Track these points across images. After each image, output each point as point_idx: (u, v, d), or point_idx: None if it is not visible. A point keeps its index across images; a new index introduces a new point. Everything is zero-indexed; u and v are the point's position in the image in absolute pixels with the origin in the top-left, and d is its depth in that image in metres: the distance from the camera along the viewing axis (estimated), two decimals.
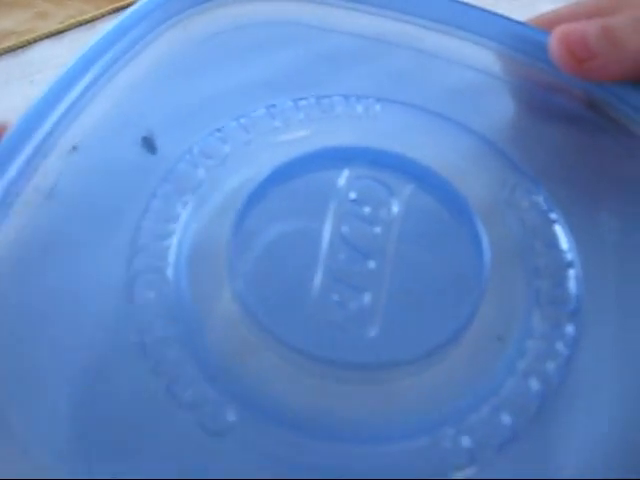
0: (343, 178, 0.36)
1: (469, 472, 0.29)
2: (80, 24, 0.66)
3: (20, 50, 0.66)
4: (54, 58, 0.65)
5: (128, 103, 0.39)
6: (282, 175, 0.35)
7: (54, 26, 0.67)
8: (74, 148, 0.37)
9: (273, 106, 0.39)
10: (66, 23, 0.67)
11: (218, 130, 0.38)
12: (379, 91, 0.41)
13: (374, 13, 0.43)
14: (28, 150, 0.35)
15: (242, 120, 0.38)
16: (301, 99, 0.39)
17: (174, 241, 0.34)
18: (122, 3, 0.68)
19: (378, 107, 0.40)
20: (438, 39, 0.43)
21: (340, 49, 0.42)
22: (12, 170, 0.35)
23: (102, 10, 0.68)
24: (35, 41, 0.66)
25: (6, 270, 0.33)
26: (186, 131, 0.38)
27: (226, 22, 0.42)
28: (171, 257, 0.33)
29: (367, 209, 0.35)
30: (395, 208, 0.35)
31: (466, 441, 0.29)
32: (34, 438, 0.29)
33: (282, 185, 0.35)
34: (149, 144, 0.38)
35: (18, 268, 0.33)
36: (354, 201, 0.35)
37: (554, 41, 0.38)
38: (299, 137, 0.38)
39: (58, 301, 0.32)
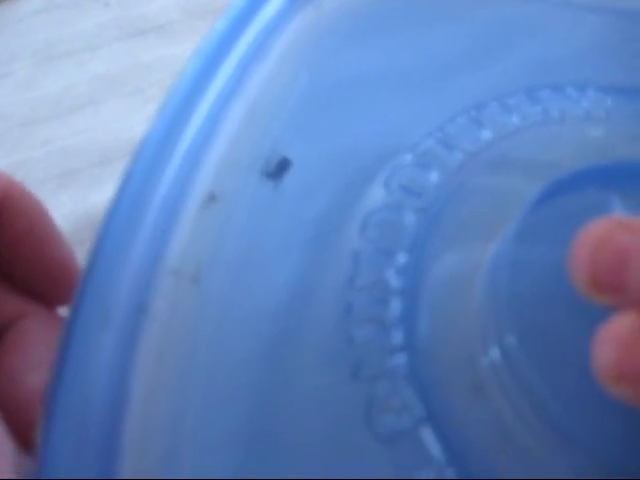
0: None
1: None
2: None
3: None
4: None
5: (264, 121, 0.29)
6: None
7: None
8: (211, 198, 0.27)
9: (476, 110, 0.28)
10: None
11: (412, 149, 0.28)
12: (587, 73, 0.31)
13: None
14: (153, 211, 0.26)
15: (439, 134, 0.28)
16: (508, 96, 0.30)
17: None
18: None
19: (609, 101, 0.30)
20: None
21: (516, 17, 0.33)
22: (138, 244, 0.25)
23: None
24: None
25: None
26: (350, 160, 0.29)
27: None
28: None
29: None
30: None
31: None
32: None
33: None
34: (281, 170, 0.28)
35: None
36: None
37: None
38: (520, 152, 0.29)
39: None
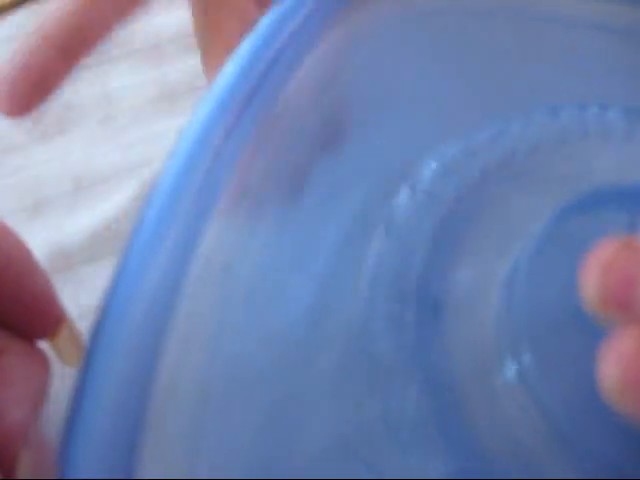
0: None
1: None
2: None
3: None
4: None
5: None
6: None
7: None
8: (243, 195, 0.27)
9: (501, 123, 0.28)
10: None
11: (438, 158, 0.29)
12: (609, 93, 0.32)
13: None
14: (186, 204, 0.26)
15: (465, 145, 0.29)
16: (532, 112, 0.30)
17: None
18: None
19: (630, 122, 0.31)
20: None
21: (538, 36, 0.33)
22: (171, 236, 0.25)
23: None
24: None
25: None
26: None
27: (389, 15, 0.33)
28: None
29: None
30: None
31: None
32: None
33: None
34: None
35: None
36: None
37: None
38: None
39: None
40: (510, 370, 0.26)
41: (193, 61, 0.48)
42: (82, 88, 0.49)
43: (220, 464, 0.24)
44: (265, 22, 0.29)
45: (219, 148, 0.27)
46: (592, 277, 0.22)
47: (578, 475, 0.24)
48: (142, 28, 0.52)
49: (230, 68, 0.28)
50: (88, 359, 0.24)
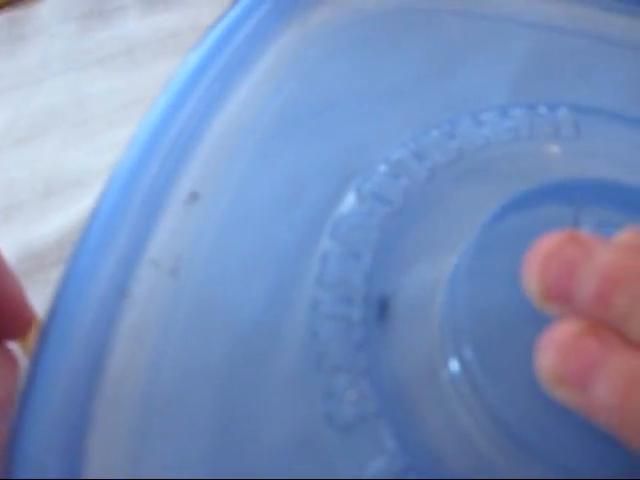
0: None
1: None
2: None
3: None
4: None
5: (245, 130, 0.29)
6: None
7: None
8: (193, 196, 0.26)
9: (450, 124, 0.30)
10: None
11: (386, 160, 0.29)
12: (559, 93, 0.32)
13: None
14: (135, 205, 0.26)
15: (412, 146, 0.29)
16: (481, 112, 0.31)
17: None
18: None
19: (579, 120, 0.31)
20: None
21: (488, 34, 0.34)
22: (120, 238, 0.26)
23: None
24: None
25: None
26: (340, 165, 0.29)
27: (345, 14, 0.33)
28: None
29: None
30: None
31: None
32: None
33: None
34: None
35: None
36: None
37: None
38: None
39: None
40: (454, 366, 0.26)
41: (165, 66, 0.49)
42: (55, 93, 0.50)
43: (166, 463, 0.24)
44: (218, 24, 0.30)
45: (170, 148, 0.27)
46: (534, 268, 0.23)
47: (527, 471, 0.25)
48: (115, 34, 0.53)
49: (186, 66, 0.29)
50: (35, 360, 0.24)
